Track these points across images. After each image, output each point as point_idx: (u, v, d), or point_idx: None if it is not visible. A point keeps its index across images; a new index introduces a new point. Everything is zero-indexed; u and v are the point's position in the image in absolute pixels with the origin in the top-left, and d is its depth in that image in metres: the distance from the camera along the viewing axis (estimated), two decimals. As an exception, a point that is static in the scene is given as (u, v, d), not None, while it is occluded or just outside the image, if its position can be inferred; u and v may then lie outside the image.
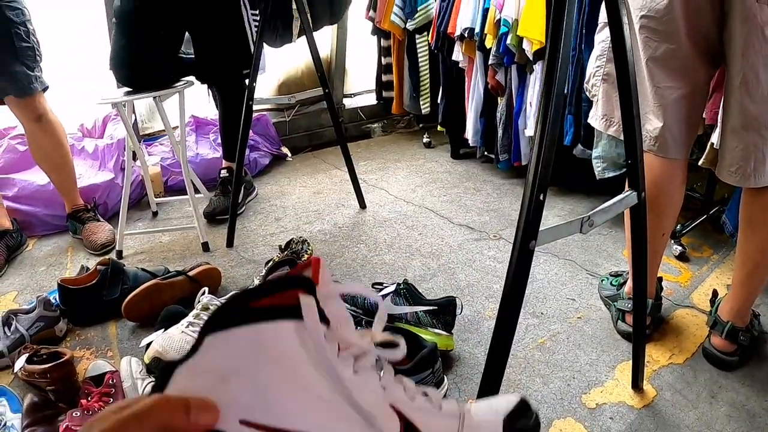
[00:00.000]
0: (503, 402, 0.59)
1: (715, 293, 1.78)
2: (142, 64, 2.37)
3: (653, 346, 1.72)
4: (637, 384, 1.55)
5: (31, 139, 2.36)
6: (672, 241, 2.25)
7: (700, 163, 2.02)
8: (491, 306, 1.93)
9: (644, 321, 1.49)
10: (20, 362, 1.59)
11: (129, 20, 2.34)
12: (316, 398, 0.40)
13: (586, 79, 1.77)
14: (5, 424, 1.45)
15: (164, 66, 2.45)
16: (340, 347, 0.44)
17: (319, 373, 0.41)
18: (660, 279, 1.80)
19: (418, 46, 3.41)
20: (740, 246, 1.57)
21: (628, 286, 1.77)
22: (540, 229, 0.99)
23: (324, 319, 0.43)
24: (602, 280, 1.96)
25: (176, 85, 2.42)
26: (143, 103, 3.23)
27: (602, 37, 1.62)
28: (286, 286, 0.42)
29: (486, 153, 3.19)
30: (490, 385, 1.06)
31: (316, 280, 0.44)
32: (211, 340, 0.41)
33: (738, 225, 1.58)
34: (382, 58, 3.78)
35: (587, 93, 1.75)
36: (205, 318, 1.54)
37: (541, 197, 0.97)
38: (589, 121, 1.75)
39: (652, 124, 1.50)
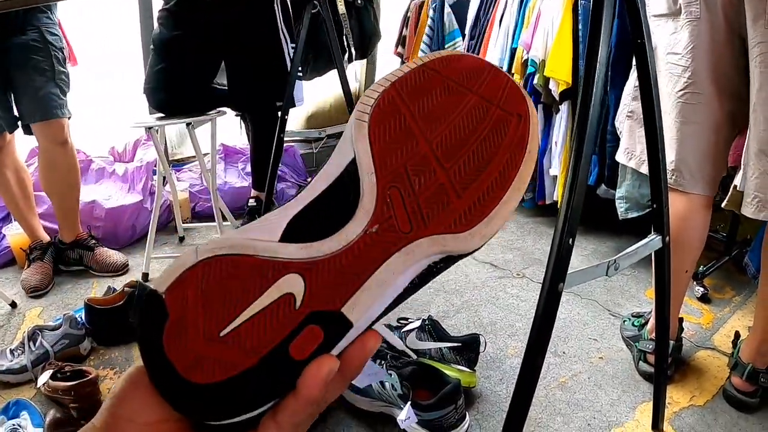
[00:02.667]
0: None
1: (737, 335, 1.78)
2: (176, 90, 2.43)
3: (674, 387, 1.72)
4: (657, 425, 1.55)
5: (50, 163, 2.35)
6: (694, 283, 2.24)
7: (723, 205, 2.02)
8: (513, 344, 1.94)
9: (666, 362, 1.50)
10: (44, 378, 1.62)
11: (168, 47, 2.41)
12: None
13: (616, 117, 1.82)
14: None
15: (198, 94, 2.50)
16: None
17: None
18: (681, 320, 1.80)
19: (444, 83, 3.44)
20: (762, 287, 1.58)
21: (650, 326, 1.78)
22: (568, 272, 1.01)
23: None
24: (624, 321, 1.97)
25: (209, 112, 2.48)
26: (173, 129, 3.30)
27: (634, 77, 1.67)
28: None
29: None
30: (514, 426, 1.07)
31: None
32: None
33: (761, 266, 1.59)
34: (410, 95, 3.81)
35: (617, 130, 1.79)
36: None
37: (570, 242, 0.99)
38: (616, 158, 1.79)
39: (668, 157, 1.53)
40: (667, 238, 1.28)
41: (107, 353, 1.88)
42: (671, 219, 1.55)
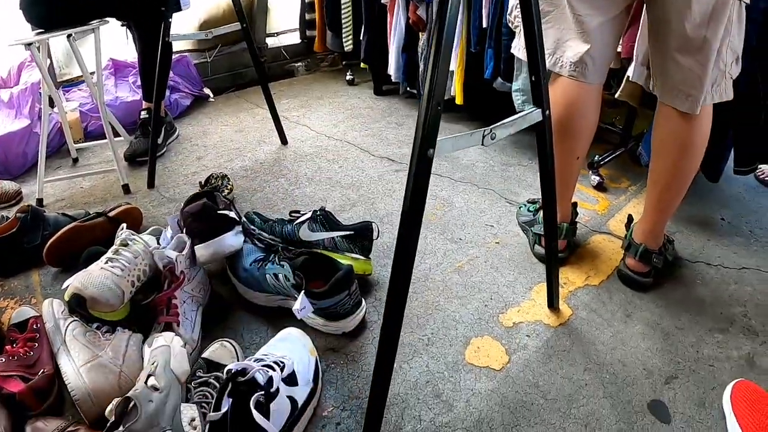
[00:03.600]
0: None
1: (630, 218, 1.85)
2: (55, 2, 2.28)
3: (569, 269, 1.78)
4: (552, 304, 1.60)
5: None
6: (590, 172, 2.31)
7: (617, 95, 2.07)
8: (411, 234, 1.95)
9: (556, 240, 1.54)
10: (-59, 317, 1.55)
11: None
12: None
13: (508, 11, 1.80)
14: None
15: (79, 5, 2.35)
16: None
17: None
18: (575, 204, 1.85)
19: (340, -18, 3.37)
20: (652, 169, 1.63)
21: (544, 211, 1.82)
22: (439, 138, 1.00)
23: None
24: (520, 207, 2.00)
25: (91, 22, 2.34)
26: (60, 48, 3.11)
27: None
28: None
29: (408, 89, 3.22)
30: (396, 298, 1.07)
31: None
32: None
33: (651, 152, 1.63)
34: (306, -4, 3.73)
35: (510, 25, 1.78)
36: (125, 253, 1.51)
37: (438, 107, 0.98)
38: (512, 51, 1.78)
39: (573, 50, 1.53)
40: (547, 112, 1.28)
41: (6, 284, 1.80)
42: (566, 107, 1.57)
